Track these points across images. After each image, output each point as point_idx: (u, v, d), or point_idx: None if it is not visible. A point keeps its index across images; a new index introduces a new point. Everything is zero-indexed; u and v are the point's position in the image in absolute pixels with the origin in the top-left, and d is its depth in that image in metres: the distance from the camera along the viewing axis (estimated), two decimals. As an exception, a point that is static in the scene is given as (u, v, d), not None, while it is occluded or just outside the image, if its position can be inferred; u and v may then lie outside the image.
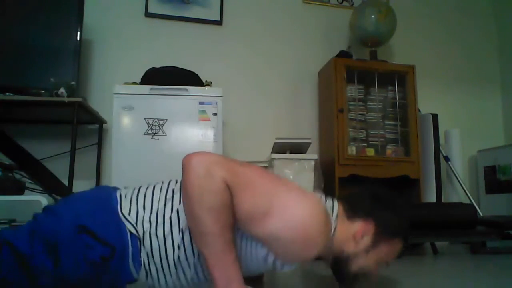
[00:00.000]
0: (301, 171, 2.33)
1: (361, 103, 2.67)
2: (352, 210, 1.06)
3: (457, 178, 2.77)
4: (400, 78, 2.71)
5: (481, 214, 2.64)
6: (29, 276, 0.85)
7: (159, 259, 0.92)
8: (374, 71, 2.65)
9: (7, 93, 1.93)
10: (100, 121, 2.36)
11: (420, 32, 3.16)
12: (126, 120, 1.95)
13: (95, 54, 2.56)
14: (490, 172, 2.88)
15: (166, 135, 1.98)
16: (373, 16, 2.62)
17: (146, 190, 0.98)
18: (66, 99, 1.93)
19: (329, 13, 3.01)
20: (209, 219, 0.81)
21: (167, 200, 0.94)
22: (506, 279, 1.33)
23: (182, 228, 0.91)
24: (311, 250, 0.90)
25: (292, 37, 2.90)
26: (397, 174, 2.50)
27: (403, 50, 3.07)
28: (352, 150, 2.53)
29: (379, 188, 1.14)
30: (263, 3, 2.90)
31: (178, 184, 0.97)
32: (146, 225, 0.92)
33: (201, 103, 2.03)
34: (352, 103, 2.63)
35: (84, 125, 2.41)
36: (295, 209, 0.89)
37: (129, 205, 0.94)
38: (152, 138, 1.97)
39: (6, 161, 2.14)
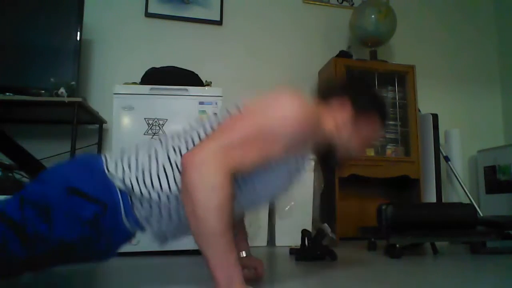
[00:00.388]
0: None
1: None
2: (327, 92, 1.12)
3: (457, 178, 2.77)
4: (400, 78, 2.71)
5: (481, 214, 2.64)
6: (24, 242, 0.85)
7: (156, 206, 0.95)
8: (374, 71, 2.65)
9: (7, 93, 1.92)
10: (100, 121, 2.36)
11: (420, 32, 3.17)
12: (126, 120, 1.95)
13: (95, 54, 2.56)
14: (490, 172, 2.88)
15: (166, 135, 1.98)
16: (373, 16, 2.63)
17: (130, 151, 1.01)
18: (66, 99, 1.93)
19: (329, 13, 3.01)
20: (214, 218, 0.81)
21: (151, 158, 0.96)
22: (506, 279, 1.33)
23: (168, 177, 0.94)
24: (302, 127, 0.93)
25: (292, 37, 2.90)
26: (397, 174, 2.51)
27: (403, 50, 3.07)
28: (352, 150, 2.53)
29: (351, 75, 1.20)
30: (263, 3, 2.90)
31: (160, 141, 1.00)
32: (134, 181, 0.94)
33: (201, 103, 2.03)
34: (352, 103, 2.62)
35: (84, 125, 2.41)
36: (280, 108, 0.93)
37: (114, 164, 0.96)
38: (152, 138, 1.97)
39: (6, 161, 2.14)
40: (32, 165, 2.22)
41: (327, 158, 1.11)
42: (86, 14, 2.30)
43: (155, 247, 1.79)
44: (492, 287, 1.22)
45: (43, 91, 1.96)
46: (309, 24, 2.96)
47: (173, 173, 0.94)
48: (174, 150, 0.97)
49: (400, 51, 3.08)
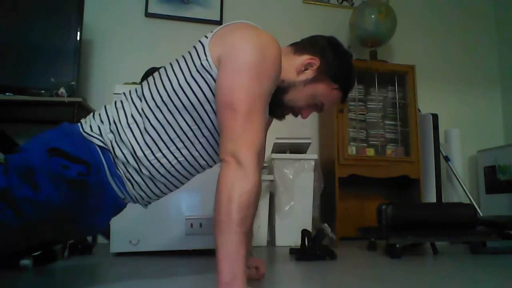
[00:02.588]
0: (301, 171, 2.33)
1: (361, 103, 2.67)
2: (302, 46, 1.14)
3: (457, 178, 2.77)
4: (400, 78, 2.71)
5: (481, 214, 2.65)
6: (12, 208, 0.86)
7: (135, 163, 0.98)
8: (374, 71, 2.65)
9: (7, 93, 1.93)
10: (100, 121, 2.36)
11: (420, 32, 3.17)
12: (126, 120, 1.95)
13: (95, 54, 2.56)
14: (490, 172, 2.88)
15: (166, 135, 1.98)
16: (373, 16, 2.63)
17: (99, 110, 1.05)
18: (66, 99, 1.93)
19: (329, 13, 3.01)
20: (236, 207, 0.82)
21: (118, 109, 1.01)
22: (506, 279, 1.33)
23: (144, 127, 0.97)
24: (275, 59, 0.97)
25: (292, 37, 2.87)
26: (397, 174, 2.51)
27: (403, 50, 3.07)
28: (352, 150, 2.53)
29: (335, 38, 1.19)
30: (263, 3, 2.90)
31: (128, 92, 1.04)
32: (110, 135, 0.98)
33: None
34: (352, 103, 2.63)
35: (84, 125, 2.41)
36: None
37: (89, 124, 1.00)
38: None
39: (6, 161, 2.14)
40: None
41: (274, 101, 1.08)
42: (86, 14, 2.30)
43: (155, 247, 1.80)
44: (492, 287, 1.22)
45: (43, 91, 1.96)
46: (309, 24, 2.95)
47: (142, 121, 0.98)
48: (139, 98, 1.01)
49: (400, 51, 3.08)
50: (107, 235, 2.06)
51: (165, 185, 1.07)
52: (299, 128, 2.79)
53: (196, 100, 0.97)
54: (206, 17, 2.75)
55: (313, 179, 2.35)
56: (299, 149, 2.37)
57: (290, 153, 2.36)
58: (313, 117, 2.83)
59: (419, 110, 2.74)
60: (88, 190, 0.94)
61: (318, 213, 2.42)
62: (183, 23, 2.73)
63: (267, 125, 1.31)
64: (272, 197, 2.32)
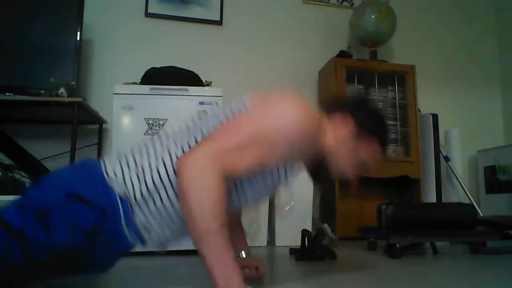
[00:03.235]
0: (301, 172, 2.33)
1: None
2: (331, 106, 1.10)
3: (457, 178, 2.77)
4: (400, 78, 2.71)
5: (481, 214, 2.64)
6: (23, 248, 0.85)
7: (155, 209, 0.94)
8: (374, 71, 2.65)
9: (7, 93, 1.92)
10: (100, 121, 2.36)
11: (420, 32, 3.17)
12: (126, 120, 1.95)
13: (95, 54, 2.56)
14: (490, 172, 2.88)
15: (166, 135, 1.98)
16: (373, 16, 2.62)
17: (127, 151, 1.00)
18: (66, 99, 1.93)
19: (329, 13, 3.01)
20: (208, 216, 0.82)
21: (150, 153, 0.97)
22: (506, 279, 1.33)
23: (171, 175, 0.93)
24: (302, 134, 0.92)
25: (292, 37, 2.90)
26: (397, 174, 2.50)
27: (403, 50, 3.07)
28: (352, 150, 2.53)
29: (359, 93, 1.18)
30: (263, 3, 2.90)
31: (156, 137, 1.01)
32: (135, 180, 0.93)
33: (201, 103, 2.03)
34: (352, 103, 2.62)
35: (84, 125, 2.41)
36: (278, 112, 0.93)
37: (112, 167, 0.96)
38: (152, 138, 1.96)
39: (6, 161, 2.14)
40: (32, 165, 2.22)
41: (319, 173, 1.10)
42: (86, 14, 2.30)
43: (159, 248, 1.80)
44: (492, 287, 1.22)
45: (43, 91, 1.96)
46: (309, 24, 2.95)
47: (172, 165, 0.94)
48: (176, 144, 0.97)
49: (400, 51, 3.07)
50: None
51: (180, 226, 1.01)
52: (299, 128, 2.79)
53: None
54: (206, 17, 2.75)
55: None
56: (299, 149, 2.37)
57: (290, 153, 2.35)
58: (313, 117, 2.83)
59: (419, 110, 2.74)
60: (101, 236, 0.92)
61: (318, 213, 2.43)
62: (183, 23, 2.73)
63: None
64: (272, 197, 2.32)
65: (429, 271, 1.48)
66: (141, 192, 0.93)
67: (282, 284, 1.27)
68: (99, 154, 2.41)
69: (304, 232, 1.79)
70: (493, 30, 3.35)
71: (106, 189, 0.92)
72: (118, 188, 0.92)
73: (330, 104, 1.13)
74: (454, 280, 1.31)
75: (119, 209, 0.92)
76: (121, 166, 0.96)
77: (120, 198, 0.92)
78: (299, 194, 2.31)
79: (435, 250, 1.93)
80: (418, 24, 3.17)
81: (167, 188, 0.93)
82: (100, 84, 2.50)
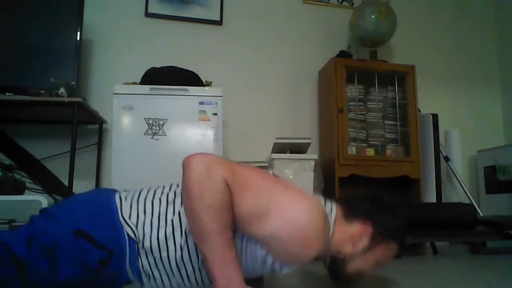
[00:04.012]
0: (301, 171, 2.33)
1: (361, 103, 2.67)
2: (351, 212, 1.07)
3: (457, 178, 2.77)
4: (400, 78, 2.71)
5: (481, 214, 2.64)
6: (24, 279, 0.85)
7: (160, 260, 0.92)
8: (374, 71, 2.65)
9: (7, 93, 1.93)
10: (100, 121, 2.36)
11: (420, 32, 3.17)
12: (126, 120, 1.95)
13: (95, 54, 2.56)
14: (490, 172, 2.88)
15: (166, 135, 1.98)
16: (373, 16, 2.62)
17: (146, 194, 0.98)
18: (66, 99, 1.93)
19: (329, 13, 3.01)
20: (210, 217, 0.81)
21: (168, 203, 0.95)
22: (506, 279, 1.33)
23: (185, 230, 0.91)
24: (309, 251, 0.90)
25: (292, 37, 2.90)
26: (397, 174, 2.50)
27: (403, 50, 3.07)
28: (352, 150, 2.53)
29: (378, 193, 1.16)
30: (263, 3, 2.90)
31: (179, 187, 0.97)
32: (147, 228, 0.91)
33: (201, 103, 2.03)
34: (352, 103, 2.63)
35: (84, 125, 2.41)
36: (293, 210, 0.89)
37: (129, 209, 0.94)
38: (152, 138, 1.97)
39: (6, 161, 2.14)
40: (32, 165, 2.22)
41: (336, 273, 1.09)
42: (86, 14, 2.30)
43: None
44: (492, 287, 1.22)
45: (43, 91, 1.96)
46: (309, 24, 2.95)
47: (183, 224, 0.92)
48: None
49: (400, 51, 3.07)
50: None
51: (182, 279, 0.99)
52: (299, 128, 2.79)
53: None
54: (206, 17, 2.75)
55: (313, 179, 2.35)
56: (299, 149, 2.37)
57: (290, 153, 2.35)
58: (313, 117, 2.83)
59: (419, 110, 2.74)
60: (103, 274, 0.91)
61: (318, 213, 2.42)
62: (183, 23, 2.72)
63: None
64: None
65: (429, 271, 1.48)
66: (150, 241, 0.91)
67: (282, 284, 1.27)
68: (99, 154, 2.41)
69: (304, 232, 1.79)
70: (493, 30, 3.35)
71: (117, 229, 0.91)
72: (129, 231, 0.91)
73: (352, 208, 1.09)
74: (454, 280, 1.31)
75: (126, 248, 0.91)
76: (137, 211, 0.94)
77: (129, 238, 0.91)
78: (299, 194, 2.31)
79: (435, 250, 1.93)
80: (418, 24, 3.17)
81: (176, 242, 0.92)
82: (100, 84, 2.50)
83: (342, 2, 3.04)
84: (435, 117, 2.71)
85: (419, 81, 2.70)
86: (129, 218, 0.92)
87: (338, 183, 2.39)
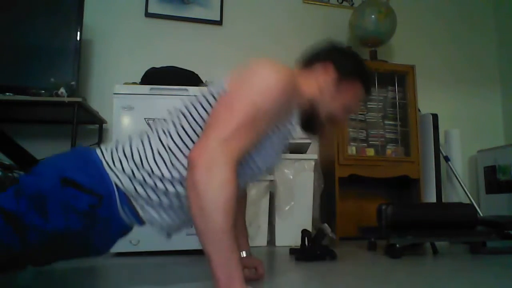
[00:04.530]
0: (301, 171, 2.33)
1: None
2: (309, 58, 1.14)
3: (457, 178, 2.77)
4: (400, 78, 2.71)
5: (481, 214, 2.64)
6: (20, 234, 0.85)
7: (155, 195, 0.96)
8: (374, 71, 2.65)
9: (7, 93, 1.93)
10: (100, 121, 2.36)
11: (420, 32, 3.17)
12: (126, 120, 1.95)
13: (95, 54, 2.56)
14: (490, 172, 2.88)
15: (166, 135, 1.98)
16: (373, 16, 2.63)
17: (124, 141, 1.03)
18: (66, 99, 1.93)
19: (329, 13, 3.01)
20: (221, 216, 0.80)
21: (144, 144, 0.99)
22: (506, 279, 1.33)
23: (170, 162, 0.95)
24: (286, 91, 0.95)
25: (292, 37, 2.90)
26: (397, 174, 2.51)
27: (403, 50, 3.07)
28: (352, 150, 2.53)
29: (332, 39, 1.19)
30: (263, 3, 2.90)
31: (150, 127, 1.05)
32: (133, 167, 0.96)
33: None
34: (352, 103, 2.62)
35: (84, 125, 2.41)
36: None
37: (111, 156, 0.98)
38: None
39: (6, 161, 2.14)
40: (33, 165, 2.22)
41: (309, 122, 1.12)
42: (86, 14, 2.30)
43: (155, 247, 1.80)
44: (492, 287, 1.22)
45: (43, 91, 1.96)
46: (309, 24, 2.95)
47: (169, 157, 0.96)
48: (164, 133, 0.99)
49: (400, 51, 3.08)
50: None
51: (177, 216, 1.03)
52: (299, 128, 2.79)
53: None
54: (206, 17, 2.75)
55: (313, 179, 2.35)
56: (299, 149, 2.37)
57: (290, 153, 2.36)
58: (313, 117, 2.83)
59: (419, 110, 2.74)
60: (97, 220, 0.92)
61: (318, 213, 2.43)
62: (183, 23, 2.73)
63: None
64: (272, 197, 2.32)
65: (429, 271, 1.48)
66: (143, 178, 0.94)
67: (282, 284, 1.27)
68: (99, 154, 2.40)
69: (304, 232, 1.79)
70: (493, 30, 3.36)
71: (101, 174, 0.94)
72: (114, 178, 0.94)
73: (309, 56, 1.16)
74: (454, 280, 1.31)
75: (115, 192, 0.94)
76: (118, 155, 0.98)
77: (116, 186, 0.94)
78: (299, 194, 2.31)
79: (435, 250, 1.93)
80: (418, 24, 3.17)
81: (163, 172, 0.95)
82: (100, 84, 2.51)
83: (342, 2, 3.04)
84: (435, 117, 2.71)
85: (419, 81, 2.70)
86: (114, 164, 0.96)
87: (338, 183, 2.38)
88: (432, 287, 1.18)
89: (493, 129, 3.20)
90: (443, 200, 2.71)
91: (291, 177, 2.32)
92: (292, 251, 1.86)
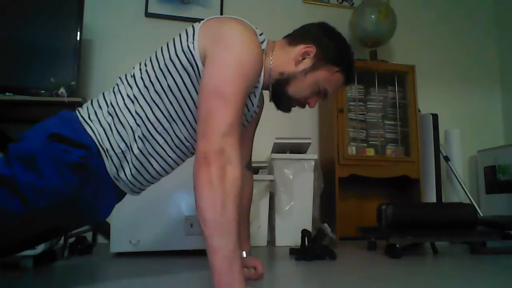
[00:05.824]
0: (301, 171, 2.33)
1: (361, 103, 2.67)
2: (296, 37, 1.14)
3: (457, 178, 2.77)
4: (400, 78, 2.71)
5: (481, 214, 2.64)
6: (17, 195, 0.87)
7: (139, 140, 1.00)
8: (374, 71, 2.65)
9: (7, 93, 1.93)
10: (100, 121, 2.36)
11: (420, 32, 3.17)
12: (126, 120, 1.95)
13: (95, 54, 2.56)
14: (490, 172, 2.88)
15: (166, 135, 1.98)
16: (373, 16, 2.63)
17: (98, 96, 1.08)
18: (66, 99, 1.93)
19: (329, 13, 3.01)
20: (233, 208, 0.82)
21: (115, 93, 1.05)
22: (506, 279, 1.33)
23: (133, 111, 1.00)
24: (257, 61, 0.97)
25: (292, 37, 2.89)
26: (397, 174, 2.51)
27: (403, 50, 3.07)
28: (352, 150, 2.53)
29: (326, 23, 1.17)
30: (263, 3, 2.90)
31: (124, 76, 1.09)
32: (109, 118, 1.00)
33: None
34: (352, 103, 2.63)
35: (84, 125, 2.41)
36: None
37: (86, 111, 1.02)
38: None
39: (6, 161, 2.14)
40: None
41: (278, 97, 1.13)
42: (86, 14, 2.30)
43: (155, 247, 1.80)
44: (492, 287, 1.22)
45: (43, 91, 1.96)
46: (309, 24, 2.95)
47: (133, 102, 1.01)
48: (133, 76, 1.06)
49: (400, 51, 3.08)
50: (107, 235, 2.06)
51: (154, 169, 1.07)
52: (299, 128, 2.79)
53: (178, 84, 1.00)
54: (206, 17, 2.75)
55: (313, 179, 2.35)
56: (299, 149, 2.37)
57: (290, 153, 2.36)
58: (313, 117, 2.83)
59: (419, 110, 2.74)
60: (90, 174, 0.96)
61: (318, 213, 2.43)
62: (183, 23, 2.72)
63: (253, 129, 1.38)
64: (272, 197, 2.32)
65: (429, 271, 1.48)
66: (116, 128, 0.99)
67: (282, 284, 1.27)
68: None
69: (304, 232, 1.79)
70: (493, 30, 3.36)
71: (85, 129, 0.98)
72: (90, 131, 0.98)
73: (295, 33, 1.16)
74: (454, 280, 1.31)
75: (99, 147, 0.98)
76: (93, 109, 1.02)
77: (92, 140, 0.98)
78: (299, 194, 2.31)
79: (435, 250, 1.93)
80: (418, 24, 3.17)
81: (133, 126, 0.99)
82: (100, 84, 2.51)
83: (342, 2, 3.05)
84: (435, 117, 2.71)
85: (419, 81, 2.70)
86: (89, 117, 1.01)
87: (338, 183, 2.38)
88: (432, 287, 1.18)
89: (493, 129, 3.20)
90: (443, 200, 2.71)
91: (291, 177, 2.32)
92: (292, 251, 1.86)
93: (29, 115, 2.27)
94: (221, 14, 2.78)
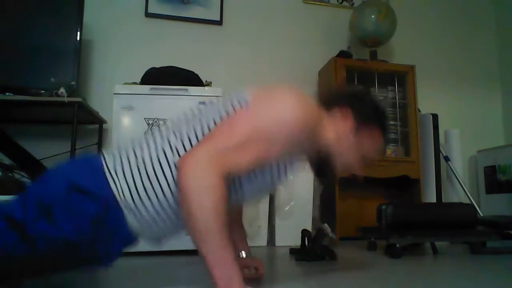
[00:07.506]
0: (301, 171, 2.33)
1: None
2: (330, 101, 1.10)
3: (457, 178, 2.77)
4: (400, 78, 2.71)
5: (481, 214, 2.64)
6: (27, 242, 0.85)
7: (156, 199, 0.92)
8: (374, 71, 2.65)
9: (7, 93, 1.92)
10: (100, 121, 2.36)
11: (420, 32, 3.17)
12: (126, 120, 1.95)
13: (95, 54, 2.56)
14: (490, 172, 2.88)
15: (166, 135, 1.98)
16: (373, 16, 2.62)
17: (127, 145, 0.99)
18: (66, 99, 1.93)
19: (329, 13, 3.01)
20: (208, 218, 0.81)
21: (149, 146, 0.96)
22: (506, 279, 1.33)
23: (172, 162, 0.92)
24: (301, 129, 0.92)
25: (292, 37, 2.90)
26: (397, 174, 2.51)
27: (403, 50, 3.07)
28: (352, 150, 2.53)
29: (356, 86, 1.18)
30: (263, 3, 2.90)
31: (156, 130, 1.01)
32: (135, 170, 0.93)
33: (201, 103, 2.03)
34: (352, 103, 2.62)
35: (84, 125, 2.41)
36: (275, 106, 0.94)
37: (113, 160, 0.95)
38: (151, 131, 1.96)
39: (6, 161, 2.14)
40: (32, 165, 2.22)
41: (322, 168, 1.10)
42: (86, 14, 2.30)
43: (155, 247, 1.80)
44: (492, 287, 1.22)
45: (43, 91, 1.96)
46: (309, 24, 2.95)
47: (173, 157, 0.93)
48: (175, 135, 0.96)
49: (400, 51, 3.08)
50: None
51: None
52: (299, 128, 2.79)
53: None
54: (206, 17, 2.75)
55: (313, 179, 2.35)
56: (299, 149, 2.37)
57: (290, 153, 2.35)
58: (313, 117, 2.83)
59: (419, 110, 2.74)
60: (104, 226, 0.92)
61: (318, 213, 2.43)
62: (183, 23, 2.73)
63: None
64: (272, 197, 2.32)
65: (429, 271, 1.48)
66: (143, 184, 0.92)
67: (282, 284, 1.27)
68: (99, 154, 2.40)
69: (304, 232, 1.79)
70: (493, 30, 3.36)
71: (107, 182, 0.93)
72: (113, 187, 0.92)
73: (329, 98, 1.13)
74: (454, 280, 1.31)
75: (114, 204, 0.92)
76: (121, 159, 0.95)
77: (114, 196, 0.92)
78: (299, 194, 2.31)
79: (435, 250, 1.93)
80: (418, 24, 3.17)
81: (168, 179, 0.92)
82: (100, 84, 2.50)
83: (342, 2, 3.04)
84: (435, 117, 2.71)
85: (419, 81, 2.70)
86: (114, 169, 0.93)
87: (338, 183, 2.38)
88: (432, 287, 1.18)
89: (493, 129, 3.20)
90: (443, 200, 2.71)
91: (291, 177, 2.32)
92: (292, 251, 1.86)
93: (29, 115, 2.27)
94: (221, 14, 2.78)
